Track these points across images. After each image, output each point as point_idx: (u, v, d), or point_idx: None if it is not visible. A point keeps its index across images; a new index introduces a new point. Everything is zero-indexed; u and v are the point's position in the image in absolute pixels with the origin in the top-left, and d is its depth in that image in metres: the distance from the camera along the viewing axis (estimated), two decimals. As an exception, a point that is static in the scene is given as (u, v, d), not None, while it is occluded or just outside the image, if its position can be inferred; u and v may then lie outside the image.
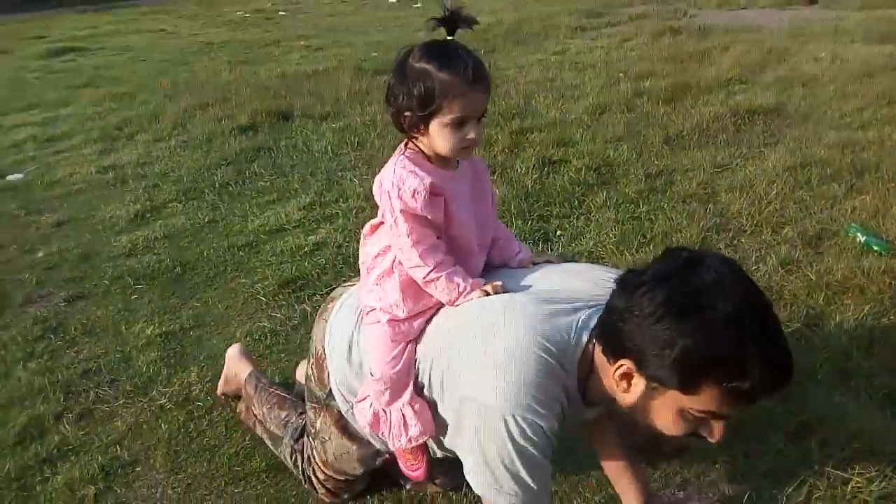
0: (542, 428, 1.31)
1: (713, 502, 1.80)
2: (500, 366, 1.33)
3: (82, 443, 2.22)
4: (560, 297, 1.45)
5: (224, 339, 2.68)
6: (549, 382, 1.32)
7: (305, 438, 1.93)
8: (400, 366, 1.52)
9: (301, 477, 1.96)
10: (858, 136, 4.14)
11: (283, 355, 2.56)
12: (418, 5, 10.87)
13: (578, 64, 6.45)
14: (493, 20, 8.95)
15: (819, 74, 5.42)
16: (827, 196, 3.38)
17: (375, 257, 1.60)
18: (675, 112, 4.80)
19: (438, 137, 1.45)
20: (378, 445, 1.75)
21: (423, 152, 1.50)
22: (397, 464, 1.70)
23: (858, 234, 2.95)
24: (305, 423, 1.95)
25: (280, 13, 11.95)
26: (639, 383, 1.27)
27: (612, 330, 1.29)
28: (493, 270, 1.64)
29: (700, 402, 1.21)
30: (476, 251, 1.61)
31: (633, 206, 3.49)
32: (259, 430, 2.13)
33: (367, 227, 1.65)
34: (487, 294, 1.49)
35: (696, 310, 1.17)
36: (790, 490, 1.83)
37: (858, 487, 1.82)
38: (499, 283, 1.52)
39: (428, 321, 1.56)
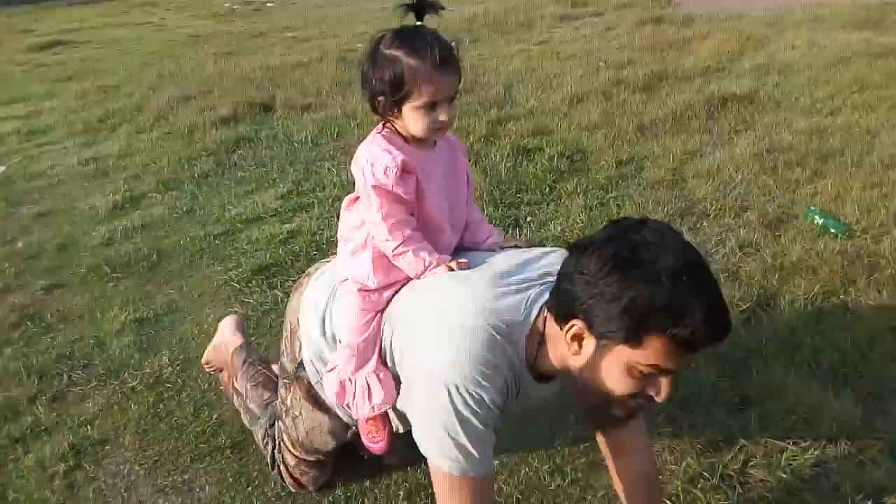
0: (485, 399, 1.37)
1: None
2: (449, 339, 1.39)
3: (54, 423, 2.29)
4: (514, 276, 1.51)
5: (196, 325, 2.75)
6: (494, 357, 1.38)
7: (277, 422, 1.97)
8: (367, 334, 1.58)
9: (269, 462, 2.00)
10: (827, 122, 4.21)
11: (253, 338, 2.62)
12: (406, -4, 10.88)
13: (560, 54, 6.50)
14: (480, 10, 9.00)
15: (794, 62, 5.49)
16: (790, 181, 3.46)
17: (352, 230, 1.66)
18: (651, 100, 4.86)
19: (411, 120, 1.51)
20: (344, 418, 1.80)
21: (398, 132, 1.56)
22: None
23: (817, 217, 3.02)
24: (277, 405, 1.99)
25: (268, 4, 11.96)
26: (589, 343, 1.32)
27: (563, 292, 1.34)
28: (461, 252, 1.69)
29: (645, 354, 1.25)
30: (447, 230, 1.67)
31: (602, 192, 3.56)
32: (237, 403, 2.16)
33: (347, 200, 1.71)
34: (452, 270, 1.55)
35: (639, 263, 1.24)
36: (727, 458, 1.91)
37: (793, 456, 1.90)
38: (464, 260, 1.58)
39: (394, 294, 1.62)
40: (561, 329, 1.36)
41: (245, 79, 6.31)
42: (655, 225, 1.32)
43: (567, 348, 1.36)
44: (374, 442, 1.72)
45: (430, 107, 1.49)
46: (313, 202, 3.71)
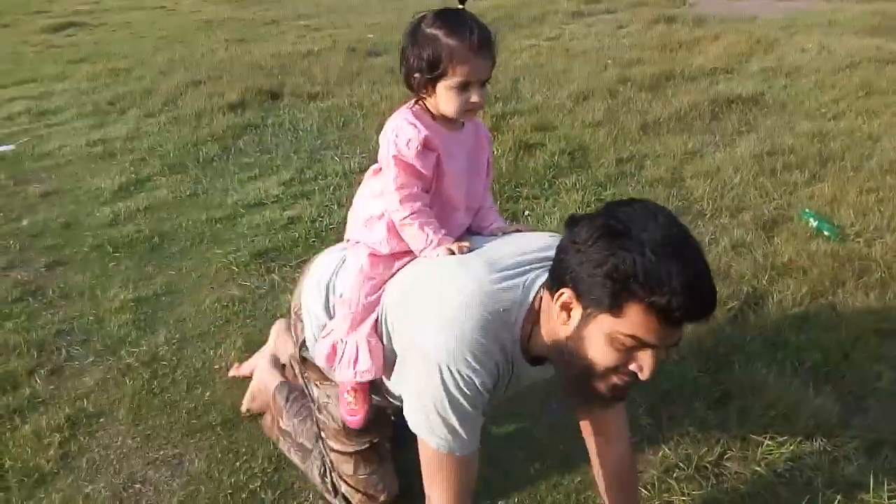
0: (476, 382, 1.40)
1: None
2: (445, 321, 1.42)
3: (51, 396, 2.34)
4: (513, 259, 1.53)
5: (194, 305, 2.80)
6: (488, 341, 1.41)
7: (321, 432, 1.89)
8: (370, 298, 1.61)
9: (331, 491, 1.88)
10: (830, 125, 4.22)
11: (248, 321, 2.68)
12: (419, -12, 10.92)
13: (570, 50, 6.52)
14: (494, 3, 9.02)
15: (803, 65, 5.50)
16: (788, 183, 3.48)
17: (369, 198, 1.71)
18: (656, 99, 4.89)
19: (444, 99, 1.56)
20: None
21: (429, 111, 1.61)
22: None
23: (811, 220, 3.05)
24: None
25: (283, -8, 11.99)
26: (576, 312, 1.34)
27: (557, 262, 1.38)
28: (467, 235, 1.73)
29: (626, 324, 1.27)
30: (461, 211, 1.71)
31: (600, 188, 3.59)
32: (285, 446, 2.05)
33: (372, 168, 1.75)
34: (452, 252, 1.58)
35: (626, 233, 1.27)
36: (704, 450, 1.95)
37: (769, 450, 1.94)
38: (465, 244, 1.60)
39: (403, 266, 1.64)
40: (553, 302, 1.38)
41: (255, 66, 6.36)
42: (647, 202, 1.36)
43: (556, 318, 1.38)
44: (352, 415, 1.74)
45: (464, 87, 1.54)
46: (314, 190, 3.76)
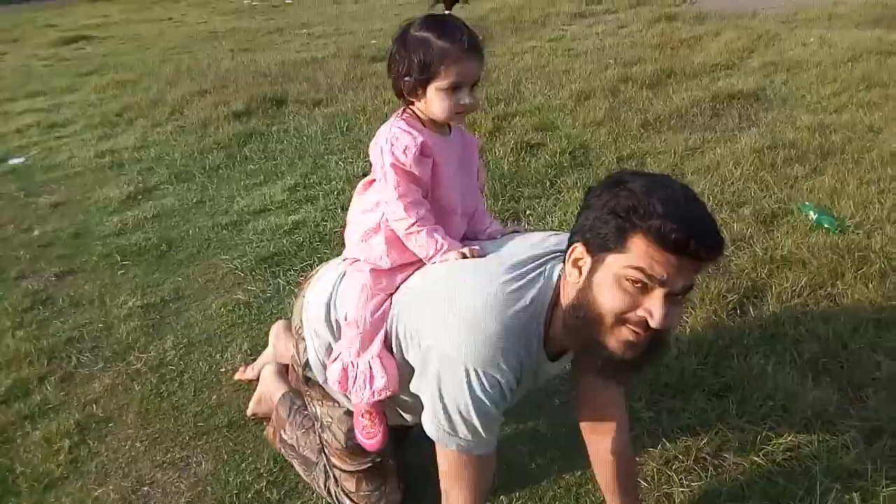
0: (500, 383, 1.41)
1: None
2: (467, 322, 1.41)
3: (61, 402, 2.39)
4: (528, 255, 1.53)
5: (200, 311, 2.84)
6: (511, 341, 1.41)
7: (325, 448, 1.91)
8: (377, 314, 1.60)
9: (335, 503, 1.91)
10: (831, 119, 4.23)
11: (254, 324, 2.72)
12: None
13: (571, 51, 6.55)
14: (495, 5, 9.06)
15: (804, 59, 5.50)
16: (789, 177, 3.49)
17: (364, 212, 1.71)
18: (657, 97, 4.90)
19: (434, 101, 1.57)
20: (350, 406, 1.80)
21: (419, 117, 1.63)
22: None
23: (811, 213, 3.06)
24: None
25: (287, 1, 12.10)
26: (586, 264, 1.37)
27: (573, 226, 1.43)
28: (465, 241, 1.71)
29: (631, 257, 1.29)
30: (458, 216, 1.71)
31: (602, 186, 3.60)
32: (288, 455, 2.05)
33: (361, 184, 1.75)
34: (465, 257, 1.58)
35: (627, 181, 1.34)
36: (703, 442, 1.96)
37: (767, 440, 1.95)
38: (476, 247, 1.60)
39: (406, 279, 1.64)
40: (568, 266, 1.41)
41: (260, 74, 6.43)
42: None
43: (569, 279, 1.40)
44: (369, 437, 1.73)
45: (454, 89, 1.55)
46: (319, 195, 3.80)
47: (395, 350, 1.61)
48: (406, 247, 1.62)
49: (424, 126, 1.62)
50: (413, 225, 1.58)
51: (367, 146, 1.70)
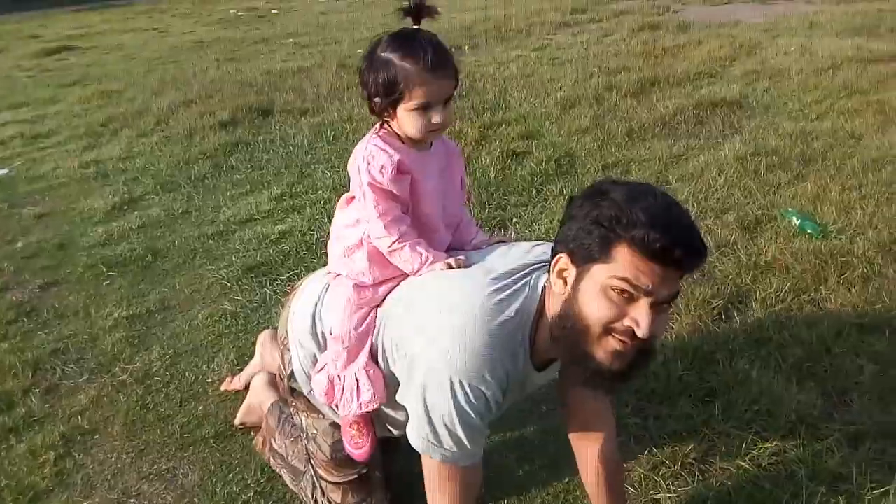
0: (485, 395, 1.41)
1: None
2: (453, 333, 1.40)
3: (46, 414, 2.37)
4: (514, 266, 1.53)
5: (187, 321, 2.83)
6: (497, 352, 1.41)
7: (311, 459, 1.90)
8: (362, 328, 1.60)
9: None
10: (813, 126, 4.28)
11: (240, 334, 2.71)
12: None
13: (556, 59, 6.59)
14: (481, 16, 9.10)
15: (786, 67, 5.56)
16: (771, 183, 3.53)
17: (346, 228, 1.70)
18: (641, 105, 4.94)
19: (405, 121, 1.55)
20: (336, 418, 1.80)
21: (395, 133, 1.60)
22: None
23: (794, 218, 3.09)
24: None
25: (273, 11, 12.10)
26: (571, 274, 1.37)
27: (555, 240, 1.43)
28: (451, 251, 1.70)
29: (616, 267, 1.30)
30: (441, 229, 1.70)
31: (587, 194, 3.62)
32: (276, 465, 2.04)
33: (342, 199, 1.75)
34: (451, 267, 1.57)
35: (610, 191, 1.35)
36: (689, 447, 1.98)
37: (753, 444, 1.97)
38: (461, 257, 1.59)
39: (391, 290, 1.64)
40: (551, 275, 1.41)
41: (246, 84, 6.42)
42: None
43: (554, 288, 1.41)
44: (357, 448, 1.73)
45: (424, 108, 1.52)
46: (305, 204, 3.80)
47: (381, 362, 1.60)
48: (388, 262, 1.62)
49: (402, 142, 1.60)
50: (395, 242, 1.57)
51: (353, 156, 1.69)
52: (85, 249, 3.51)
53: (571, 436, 1.77)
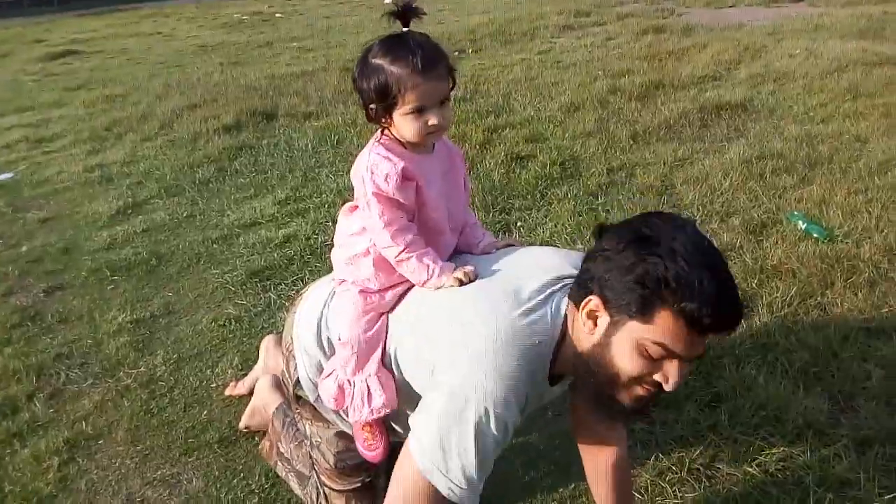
0: (506, 424, 1.36)
1: None
2: (477, 357, 1.36)
3: (50, 419, 2.37)
4: (536, 286, 1.48)
5: (191, 325, 2.83)
6: (522, 378, 1.37)
7: (315, 465, 1.88)
8: (371, 332, 1.56)
9: None
10: (819, 129, 4.26)
11: (245, 339, 2.71)
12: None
13: (560, 63, 6.59)
14: (485, 20, 9.11)
15: (791, 70, 5.55)
16: (777, 187, 3.51)
17: (351, 236, 1.67)
18: (646, 108, 4.93)
19: (403, 126, 1.52)
20: (342, 426, 1.79)
21: (396, 139, 1.57)
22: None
23: (800, 222, 3.07)
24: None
25: (277, 15, 12.13)
26: (603, 319, 1.34)
27: (583, 271, 1.38)
28: (457, 255, 1.70)
29: (655, 330, 1.26)
30: (446, 232, 1.67)
31: (592, 198, 3.62)
32: (283, 471, 2.02)
33: (346, 207, 1.72)
34: (460, 281, 1.53)
35: (657, 241, 1.28)
36: (696, 453, 1.96)
37: (760, 450, 1.95)
38: (470, 268, 1.54)
39: (400, 297, 1.61)
40: (578, 311, 1.37)
41: (250, 88, 6.44)
42: (675, 214, 1.39)
43: (582, 327, 1.37)
44: (371, 450, 1.70)
45: (419, 111, 1.49)
46: (309, 208, 3.79)
47: (394, 370, 1.58)
48: (393, 269, 1.59)
49: (404, 148, 1.57)
50: (402, 252, 1.55)
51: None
52: (89, 253, 3.51)
53: (580, 442, 1.75)
